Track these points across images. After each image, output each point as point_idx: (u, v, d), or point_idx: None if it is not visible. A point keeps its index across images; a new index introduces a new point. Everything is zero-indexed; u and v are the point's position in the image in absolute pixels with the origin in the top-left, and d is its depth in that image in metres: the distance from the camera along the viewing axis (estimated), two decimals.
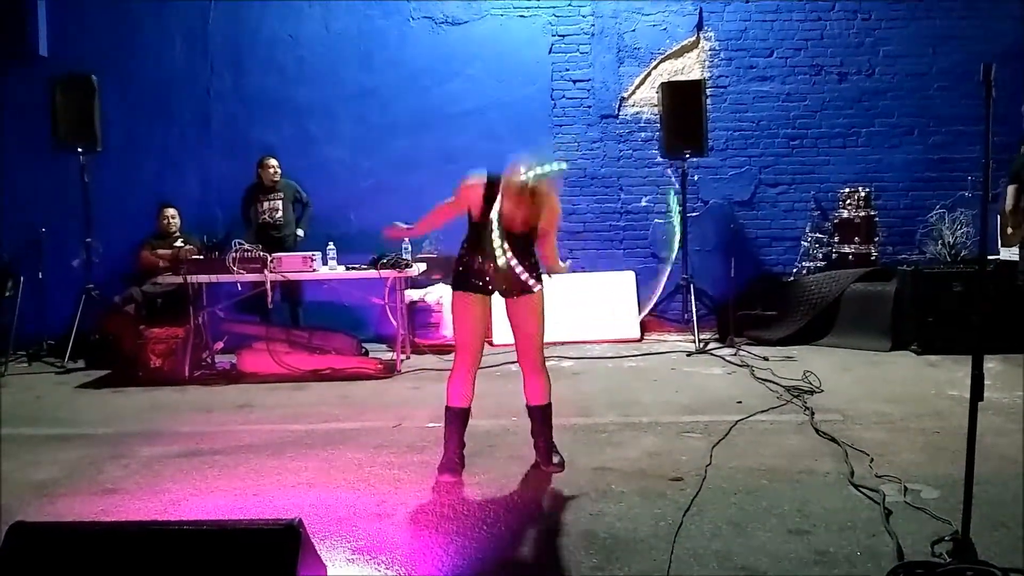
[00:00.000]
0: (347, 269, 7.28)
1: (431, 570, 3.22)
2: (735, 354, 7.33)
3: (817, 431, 4.89)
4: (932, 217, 8.53)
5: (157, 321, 7.38)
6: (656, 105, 8.56)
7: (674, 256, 8.41)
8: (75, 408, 6.24)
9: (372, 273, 7.13)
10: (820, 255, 8.44)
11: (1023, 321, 6.87)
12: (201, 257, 7.28)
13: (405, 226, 4.95)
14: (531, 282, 4.29)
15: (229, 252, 6.98)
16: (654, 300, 8.49)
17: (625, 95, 8.85)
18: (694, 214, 8.66)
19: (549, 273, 4.49)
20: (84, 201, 8.04)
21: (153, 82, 8.84)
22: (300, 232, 8.31)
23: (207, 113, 8.91)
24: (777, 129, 8.80)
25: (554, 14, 8.83)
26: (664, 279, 8.46)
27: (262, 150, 8.39)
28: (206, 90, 8.91)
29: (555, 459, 4.40)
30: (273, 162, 8.20)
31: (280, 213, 8.18)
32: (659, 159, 8.69)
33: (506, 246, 4.18)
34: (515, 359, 7.47)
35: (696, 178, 8.67)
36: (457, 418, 4.39)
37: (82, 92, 7.92)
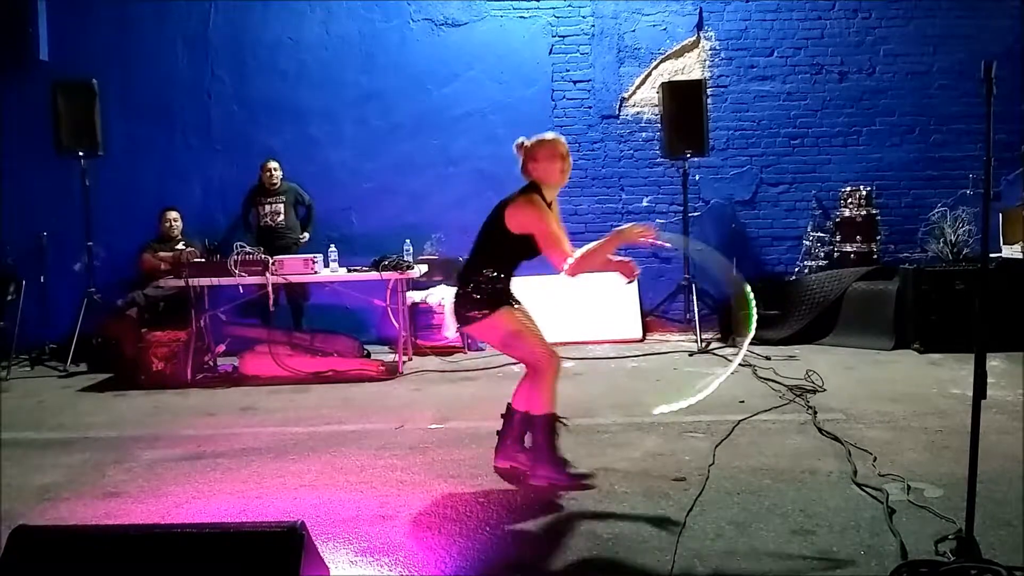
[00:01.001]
0: (349, 271, 7.28)
1: (434, 572, 3.22)
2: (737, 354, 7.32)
3: (820, 430, 4.88)
4: (934, 215, 8.51)
5: (159, 324, 7.39)
6: (657, 105, 8.55)
7: None
8: (77, 412, 6.24)
9: (374, 275, 7.13)
10: (822, 254, 8.43)
11: None
12: (203, 260, 7.29)
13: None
14: None
15: (231, 255, 6.99)
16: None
17: (626, 95, 8.86)
18: (695, 214, 8.66)
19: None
20: (86, 205, 8.05)
21: (154, 86, 8.85)
22: (306, 236, 8.31)
23: (208, 116, 8.92)
24: (778, 128, 8.80)
25: (554, 15, 8.84)
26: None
27: (263, 153, 8.41)
28: (207, 94, 8.92)
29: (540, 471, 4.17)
30: (273, 165, 8.20)
31: (281, 216, 8.19)
32: (660, 159, 8.69)
33: None
34: (516, 361, 7.49)
35: (697, 178, 8.67)
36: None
37: (83, 97, 7.93)
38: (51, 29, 8.80)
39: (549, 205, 4.21)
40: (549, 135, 4.33)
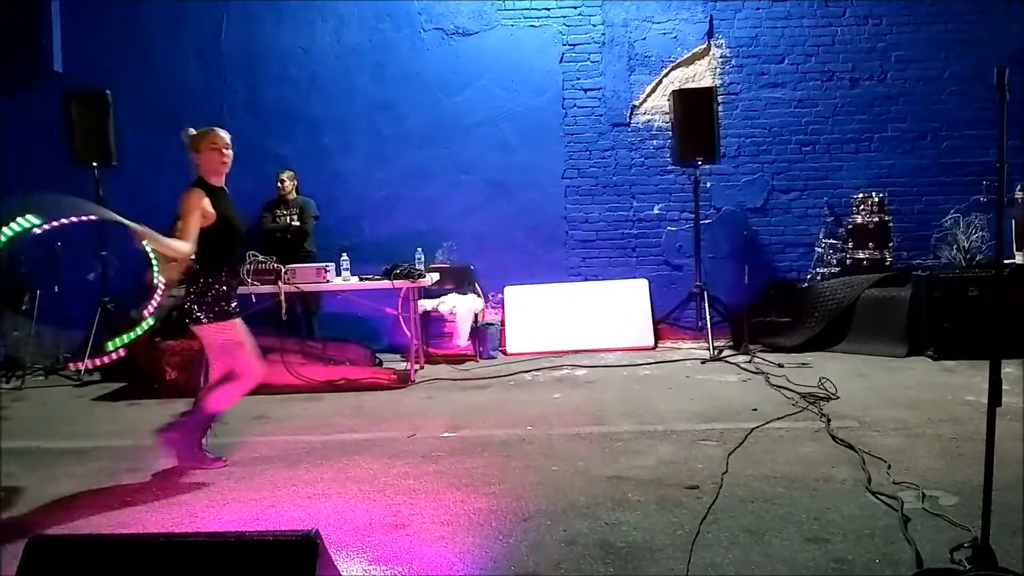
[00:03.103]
0: (360, 280, 7.30)
1: None
2: (750, 361, 7.31)
3: (833, 438, 4.87)
4: (946, 222, 8.49)
5: (172, 334, 7.41)
6: (667, 113, 8.56)
7: None
8: (92, 421, 6.27)
9: (385, 284, 7.15)
10: (834, 261, 8.41)
11: None
12: None
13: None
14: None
15: (243, 264, 7.01)
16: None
17: (636, 103, 8.86)
18: (707, 221, 8.65)
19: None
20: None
21: (167, 96, 8.90)
22: (313, 250, 8.28)
23: (220, 126, 8.89)
24: (789, 135, 8.79)
25: (564, 23, 8.85)
26: None
27: (276, 163, 8.44)
28: (220, 104, 8.96)
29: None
30: (285, 175, 8.22)
31: (296, 226, 8.20)
32: (671, 167, 8.69)
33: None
34: (528, 368, 7.50)
35: (709, 185, 8.67)
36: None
37: (97, 107, 7.99)
38: (64, 40, 8.87)
39: (215, 193, 4.67)
40: (214, 128, 4.88)
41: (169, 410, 6.40)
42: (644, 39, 8.83)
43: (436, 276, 7.77)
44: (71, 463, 5.03)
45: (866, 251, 8.10)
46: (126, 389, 7.22)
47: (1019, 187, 7.79)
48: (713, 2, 8.76)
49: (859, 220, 8.15)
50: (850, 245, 8.25)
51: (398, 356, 8.03)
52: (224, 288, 4.66)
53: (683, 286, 8.62)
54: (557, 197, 8.88)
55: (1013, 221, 7.70)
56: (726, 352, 7.75)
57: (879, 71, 8.71)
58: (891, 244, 8.17)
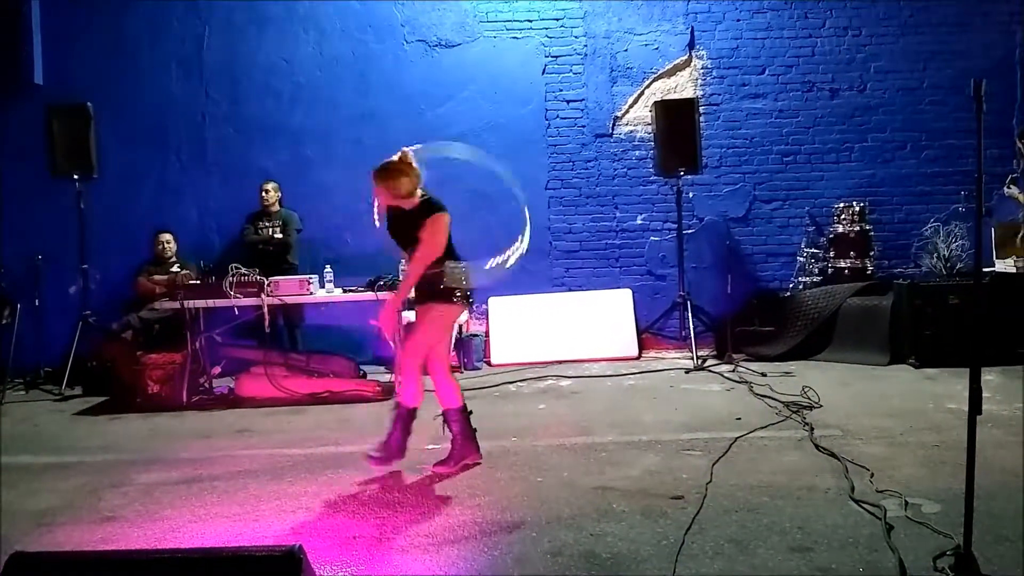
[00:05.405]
0: (344, 292, 7.27)
1: None
2: (733, 370, 7.33)
3: (817, 447, 4.88)
4: (927, 230, 8.54)
5: (154, 347, 7.38)
6: (650, 124, 8.60)
7: None
8: (73, 435, 6.21)
9: (369, 295, 7.12)
10: (816, 270, 8.46)
11: (1020, 332, 6.89)
12: (198, 282, 7.27)
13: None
14: None
15: (226, 277, 6.98)
16: None
17: (619, 114, 8.90)
18: (690, 231, 8.69)
19: None
20: (80, 228, 8.05)
21: (149, 109, 8.87)
22: (295, 262, 8.27)
23: (203, 139, 8.94)
24: (770, 146, 8.85)
25: (547, 35, 8.89)
26: None
27: (259, 174, 8.42)
28: (201, 116, 8.94)
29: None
30: (270, 186, 8.21)
31: (279, 237, 8.18)
32: (654, 177, 8.72)
33: None
34: (513, 379, 7.50)
35: (691, 195, 8.70)
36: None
37: (78, 120, 7.94)
38: (45, 52, 8.82)
39: None
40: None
41: (151, 424, 6.41)
42: (626, 51, 8.88)
43: None
44: (52, 478, 4.98)
45: (847, 260, 8.16)
46: (107, 403, 7.16)
47: (996, 196, 7.86)
48: (694, 14, 8.83)
49: (840, 229, 8.20)
50: (832, 254, 8.30)
51: (382, 368, 7.99)
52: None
53: (666, 296, 8.65)
54: (540, 208, 8.88)
55: (992, 229, 7.78)
56: (710, 361, 7.77)
57: (859, 82, 8.79)
58: (872, 253, 8.24)
